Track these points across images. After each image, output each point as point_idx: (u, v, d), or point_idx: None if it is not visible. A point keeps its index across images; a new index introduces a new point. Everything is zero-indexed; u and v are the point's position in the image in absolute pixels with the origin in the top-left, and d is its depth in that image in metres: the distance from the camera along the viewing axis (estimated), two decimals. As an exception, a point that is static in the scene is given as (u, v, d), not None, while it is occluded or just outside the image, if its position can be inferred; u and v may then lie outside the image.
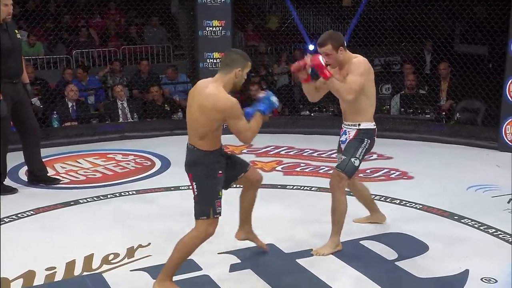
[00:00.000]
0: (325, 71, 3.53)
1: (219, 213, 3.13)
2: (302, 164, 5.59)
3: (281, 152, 6.02)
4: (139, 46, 9.06)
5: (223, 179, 3.21)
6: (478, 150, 6.03)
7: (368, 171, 5.33)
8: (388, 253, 3.61)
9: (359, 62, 3.63)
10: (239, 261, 3.54)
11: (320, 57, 3.54)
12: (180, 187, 4.82)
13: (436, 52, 7.26)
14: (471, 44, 8.20)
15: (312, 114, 7.47)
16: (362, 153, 3.69)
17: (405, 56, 8.34)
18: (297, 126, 7.02)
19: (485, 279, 3.26)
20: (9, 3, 4.59)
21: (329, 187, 3.72)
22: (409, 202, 4.52)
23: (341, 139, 3.84)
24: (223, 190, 3.21)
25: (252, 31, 8.78)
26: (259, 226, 3.64)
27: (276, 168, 5.49)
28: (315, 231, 3.95)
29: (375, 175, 5.25)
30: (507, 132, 5.82)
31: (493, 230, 3.94)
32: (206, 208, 3.11)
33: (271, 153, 6.01)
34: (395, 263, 3.49)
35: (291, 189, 4.91)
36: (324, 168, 5.42)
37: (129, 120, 7.25)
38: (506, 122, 5.80)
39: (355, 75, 3.58)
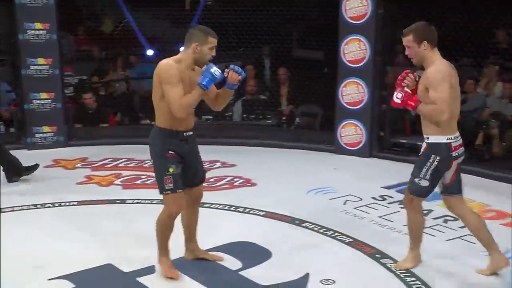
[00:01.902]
0: (409, 103, 3.36)
1: (170, 190, 3.29)
2: (142, 176, 5.52)
3: (119, 165, 5.88)
4: None
5: (178, 160, 3.31)
6: (317, 154, 6.45)
7: (212, 179, 5.43)
8: (232, 263, 3.71)
9: (435, 72, 3.32)
10: (73, 285, 3.39)
11: (394, 97, 3.41)
12: None
13: (275, 57, 7.61)
14: (308, 49, 8.71)
15: (153, 123, 7.36)
16: (429, 173, 3.44)
17: (245, 61, 8.61)
18: (137, 136, 6.90)
19: (324, 281, 3.50)
20: None
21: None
22: (252, 209, 4.68)
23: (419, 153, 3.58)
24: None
25: (84, 35, 8.47)
26: (96, 245, 3.53)
27: (115, 182, 5.36)
28: (155, 246, 3.91)
29: (219, 183, 5.37)
30: (342, 135, 6.30)
31: (331, 232, 4.23)
32: (160, 185, 3.31)
33: (108, 166, 5.85)
34: (239, 272, 3.60)
35: (131, 203, 4.82)
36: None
37: None
38: (341, 126, 6.28)
39: (436, 89, 3.27)
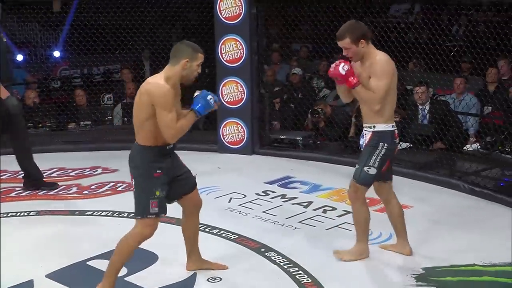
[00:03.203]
0: (350, 79, 3.46)
1: (155, 214, 3.14)
2: (17, 188, 5.23)
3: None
4: None
5: (165, 181, 3.17)
6: (201, 154, 6.48)
7: (93, 187, 5.29)
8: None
9: (382, 63, 3.48)
10: None
11: (340, 66, 3.46)
12: None
13: (154, 60, 7.54)
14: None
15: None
16: (378, 160, 3.57)
17: (124, 64, 8.46)
18: (8, 146, 6.51)
19: (211, 279, 3.56)
20: None
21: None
22: (137, 214, 4.62)
23: (360, 143, 3.73)
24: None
25: None
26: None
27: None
28: (33, 259, 3.76)
29: (101, 190, 5.24)
30: (224, 134, 6.39)
31: (217, 230, 4.30)
32: (142, 208, 3.13)
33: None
34: (125, 278, 3.54)
35: (5, 216, 4.56)
36: (43, 190, 5.17)
37: None
38: (223, 125, 6.36)
39: (379, 78, 3.45)
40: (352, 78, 3.49)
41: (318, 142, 6.46)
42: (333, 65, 3.55)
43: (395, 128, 3.63)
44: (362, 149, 3.69)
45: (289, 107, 7.25)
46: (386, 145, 3.58)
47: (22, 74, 8.13)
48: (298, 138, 6.40)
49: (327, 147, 6.38)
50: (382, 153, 3.59)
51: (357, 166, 3.68)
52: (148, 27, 7.09)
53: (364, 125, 3.68)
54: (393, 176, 5.55)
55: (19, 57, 7.67)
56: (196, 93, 3.22)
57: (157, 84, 3.08)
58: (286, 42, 7.46)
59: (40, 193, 5.12)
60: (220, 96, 6.27)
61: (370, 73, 3.52)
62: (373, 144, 3.60)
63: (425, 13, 7.08)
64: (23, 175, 5.23)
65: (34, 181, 5.15)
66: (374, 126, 3.59)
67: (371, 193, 4.82)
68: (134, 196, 3.21)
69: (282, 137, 6.49)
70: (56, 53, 8.41)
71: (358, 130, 6.31)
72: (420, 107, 6.14)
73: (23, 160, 5.09)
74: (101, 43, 7.15)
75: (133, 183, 3.19)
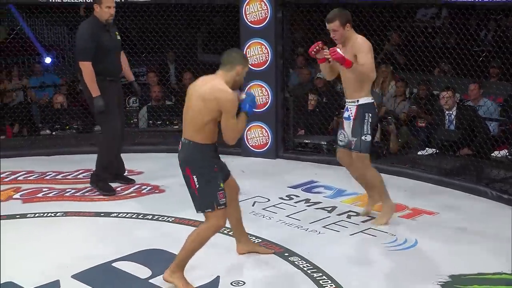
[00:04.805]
0: (347, 60, 4.00)
1: (224, 204, 3.36)
2: (44, 189, 5.32)
3: (19, 178, 5.63)
4: None
5: (221, 175, 3.43)
6: (225, 157, 6.42)
7: (118, 189, 5.34)
8: (142, 272, 3.69)
9: (364, 41, 4.13)
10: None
11: (338, 50, 4.03)
12: None
13: (180, 63, 7.61)
14: (213, 54, 8.78)
15: (53, 133, 7.16)
16: (369, 128, 4.18)
17: (150, 67, 8.55)
18: (36, 147, 6.66)
19: (234, 283, 3.56)
20: (112, 6, 4.97)
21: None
22: (162, 216, 4.66)
23: (344, 116, 4.34)
24: None
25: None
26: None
27: (14, 196, 5.14)
28: (59, 260, 3.83)
29: (126, 192, 5.29)
30: (248, 138, 6.40)
31: (241, 233, 4.30)
32: (210, 201, 3.33)
33: (6, 180, 5.58)
34: (149, 281, 3.58)
35: (32, 217, 4.64)
36: (70, 191, 5.25)
37: None
38: (247, 128, 6.37)
39: (366, 53, 4.05)
40: (348, 60, 4.04)
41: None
42: (330, 51, 4.05)
43: (374, 100, 4.27)
44: (347, 121, 4.27)
45: (313, 111, 7.23)
46: (370, 114, 4.19)
47: (53, 77, 8.28)
48: (322, 143, 6.39)
49: (352, 152, 6.33)
50: (370, 121, 4.19)
51: (354, 138, 4.21)
52: (174, 30, 7.15)
53: (347, 100, 4.28)
54: (419, 181, 5.55)
55: (48, 60, 7.80)
56: (243, 96, 3.42)
57: (226, 91, 3.27)
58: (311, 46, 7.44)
59: (67, 194, 5.19)
60: (245, 99, 6.29)
61: (354, 52, 4.10)
62: (360, 116, 4.18)
63: (453, 17, 7.01)
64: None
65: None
66: (358, 101, 4.19)
67: (396, 199, 4.81)
68: (197, 192, 3.36)
69: (307, 141, 6.48)
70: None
71: (383, 135, 6.28)
72: (447, 112, 6.08)
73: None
74: (127, 46, 7.23)
75: (195, 179, 3.34)
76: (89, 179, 5.35)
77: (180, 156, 3.40)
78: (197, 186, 3.34)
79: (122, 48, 5.37)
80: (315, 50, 4.17)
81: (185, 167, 3.37)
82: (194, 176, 3.34)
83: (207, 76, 3.42)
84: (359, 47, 4.09)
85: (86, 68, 4.94)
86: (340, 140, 4.43)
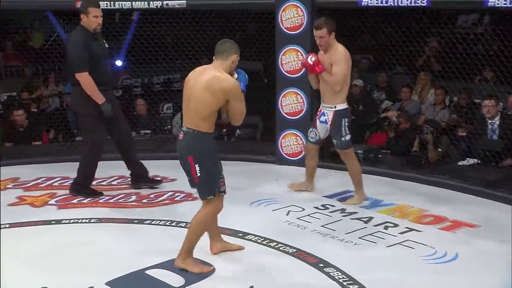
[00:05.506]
0: (316, 68, 4.68)
1: (224, 192, 3.64)
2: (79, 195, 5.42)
3: (54, 184, 5.75)
4: None
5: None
6: (258, 165, 6.52)
7: (152, 195, 5.40)
8: (175, 280, 3.71)
9: (342, 52, 4.67)
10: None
11: (308, 58, 4.74)
12: None
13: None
14: (247, 60, 8.83)
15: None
16: (347, 129, 4.84)
17: (184, 73, 8.63)
18: (72, 153, 6.77)
19: (269, 294, 3.57)
20: (99, 15, 5.09)
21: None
22: (194, 224, 4.69)
23: (319, 119, 5.00)
24: None
25: (12, 50, 8.26)
26: (30, 270, 3.44)
27: (49, 202, 5.24)
28: (93, 266, 3.88)
29: (160, 199, 5.34)
30: (283, 145, 6.40)
31: (275, 243, 4.30)
32: (211, 188, 3.56)
33: (42, 185, 5.71)
34: (182, 289, 3.61)
35: (67, 223, 4.74)
36: (104, 197, 5.34)
37: None
38: (281, 136, 6.38)
39: (340, 66, 4.63)
40: (318, 67, 4.67)
41: (380, 156, 6.37)
42: (304, 59, 4.78)
43: (347, 105, 4.90)
44: (322, 124, 4.95)
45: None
46: (346, 119, 4.86)
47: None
48: (358, 151, 6.34)
49: (388, 161, 6.28)
50: (346, 125, 4.85)
51: (335, 140, 4.92)
52: (209, 37, 7.22)
53: (324, 105, 4.90)
54: (460, 193, 5.48)
55: (118, 63, 7.95)
56: (235, 75, 3.62)
57: (230, 80, 3.52)
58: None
59: (101, 201, 5.28)
60: (280, 107, 6.31)
61: (332, 61, 4.68)
62: (337, 121, 4.83)
63: (496, 23, 6.89)
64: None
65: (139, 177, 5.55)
66: (335, 107, 4.81)
67: (435, 210, 4.75)
68: (198, 180, 3.56)
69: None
70: (118, 63, 8.68)
71: (421, 144, 6.20)
72: (489, 121, 5.97)
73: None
74: (162, 52, 7.33)
75: (197, 167, 3.53)
76: (69, 188, 5.40)
77: (182, 144, 3.58)
78: (198, 174, 3.55)
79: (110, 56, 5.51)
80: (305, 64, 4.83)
81: (186, 155, 3.56)
82: (197, 165, 3.54)
83: (205, 66, 3.66)
84: (337, 58, 4.66)
85: (85, 78, 5.01)
86: (311, 137, 5.11)
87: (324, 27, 4.62)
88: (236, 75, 3.64)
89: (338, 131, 4.85)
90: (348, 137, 4.87)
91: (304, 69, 6.12)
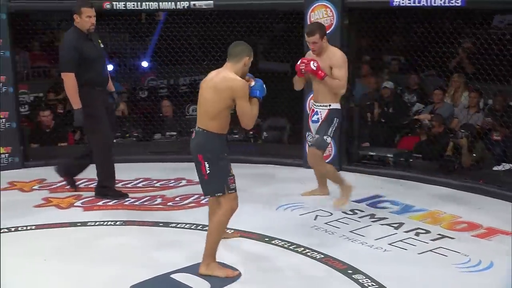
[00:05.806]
0: (319, 73, 4.66)
1: (234, 189, 3.68)
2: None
3: (80, 185, 5.76)
4: None
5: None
6: (285, 168, 6.46)
7: (177, 198, 5.39)
8: (200, 285, 3.67)
9: (341, 56, 4.75)
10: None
11: (311, 63, 4.65)
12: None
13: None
14: (274, 61, 8.77)
15: (114, 141, 7.29)
16: (333, 131, 4.81)
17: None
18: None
19: (296, 300, 3.50)
20: (92, 15, 5.08)
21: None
22: (220, 227, 4.65)
23: (312, 119, 4.94)
24: None
25: (39, 50, 8.33)
26: (58, 271, 3.43)
27: (75, 204, 5.26)
28: (118, 269, 3.87)
29: (185, 202, 5.33)
30: (310, 148, 6.32)
31: (302, 248, 4.24)
32: (221, 185, 3.64)
33: (68, 187, 5.73)
34: (208, 295, 3.57)
35: (93, 225, 4.74)
36: (129, 200, 5.34)
37: None
38: (309, 139, 6.30)
39: (342, 70, 4.68)
40: (321, 71, 4.67)
41: (411, 160, 6.25)
42: (303, 63, 4.69)
43: (340, 107, 4.89)
44: (314, 123, 4.87)
45: (379, 121, 7.09)
46: (338, 119, 4.82)
47: (115, 85, 8.44)
48: (388, 155, 6.24)
49: (420, 166, 6.16)
50: (335, 126, 4.80)
51: (317, 136, 4.81)
52: (236, 37, 7.17)
53: (318, 104, 4.86)
54: (495, 199, 5.35)
55: (110, 67, 7.98)
56: (252, 83, 3.65)
57: (236, 79, 3.56)
58: (377, 54, 7.34)
59: (127, 203, 5.28)
60: (308, 109, 6.24)
61: (330, 64, 4.71)
62: (330, 119, 4.78)
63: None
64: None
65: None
66: (330, 105, 4.79)
67: (469, 217, 4.64)
68: (207, 177, 3.64)
69: (372, 153, 6.35)
70: (144, 63, 8.70)
71: (455, 149, 6.07)
72: (526, 125, 5.81)
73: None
74: (189, 53, 7.32)
75: (207, 165, 3.62)
76: (94, 192, 5.40)
77: (193, 143, 3.67)
78: (208, 172, 3.63)
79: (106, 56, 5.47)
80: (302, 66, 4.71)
81: (197, 154, 3.64)
82: (206, 163, 3.62)
83: (217, 70, 3.69)
84: (337, 61, 4.70)
85: (69, 79, 5.01)
86: (310, 141, 5.01)
87: (316, 33, 4.69)
88: (253, 83, 3.66)
89: (325, 129, 4.79)
90: (329, 139, 4.83)
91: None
